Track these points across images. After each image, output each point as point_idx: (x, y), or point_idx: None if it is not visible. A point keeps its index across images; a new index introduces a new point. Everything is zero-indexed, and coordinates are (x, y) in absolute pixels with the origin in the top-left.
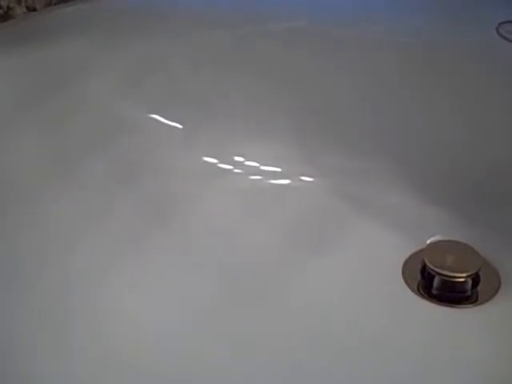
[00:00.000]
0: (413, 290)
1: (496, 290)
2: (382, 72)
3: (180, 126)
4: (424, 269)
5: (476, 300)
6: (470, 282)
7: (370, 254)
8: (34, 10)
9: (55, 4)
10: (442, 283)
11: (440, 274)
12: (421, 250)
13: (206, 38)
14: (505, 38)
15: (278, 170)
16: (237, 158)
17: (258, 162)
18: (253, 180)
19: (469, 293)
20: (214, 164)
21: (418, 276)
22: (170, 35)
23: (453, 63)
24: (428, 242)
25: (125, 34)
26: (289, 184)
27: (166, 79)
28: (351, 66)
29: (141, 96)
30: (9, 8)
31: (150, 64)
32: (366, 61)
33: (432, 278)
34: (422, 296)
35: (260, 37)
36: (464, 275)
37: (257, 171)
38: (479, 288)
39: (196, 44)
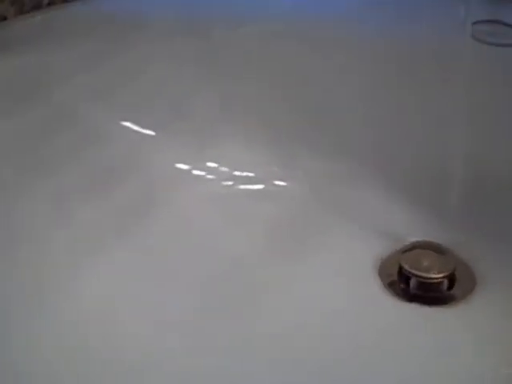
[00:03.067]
0: (389, 291)
1: (472, 290)
2: (359, 73)
3: (152, 133)
4: (400, 270)
5: (452, 300)
6: (445, 282)
7: (347, 256)
8: (5, 19)
9: (27, 12)
10: (418, 284)
11: (416, 276)
12: (397, 252)
13: (181, 44)
14: (477, 38)
15: (252, 175)
16: (210, 164)
17: (231, 168)
18: (226, 186)
19: (445, 293)
20: (187, 170)
21: (395, 277)
22: (143, 42)
23: (427, 63)
24: (404, 243)
25: (98, 41)
26: (263, 189)
27: (139, 87)
28: (327, 69)
29: (114, 103)
30: None
31: (124, 71)
32: (342, 63)
33: (408, 279)
34: (399, 297)
35: (235, 40)
36: (440, 276)
37: (230, 177)
38: (455, 288)
39: (170, 50)
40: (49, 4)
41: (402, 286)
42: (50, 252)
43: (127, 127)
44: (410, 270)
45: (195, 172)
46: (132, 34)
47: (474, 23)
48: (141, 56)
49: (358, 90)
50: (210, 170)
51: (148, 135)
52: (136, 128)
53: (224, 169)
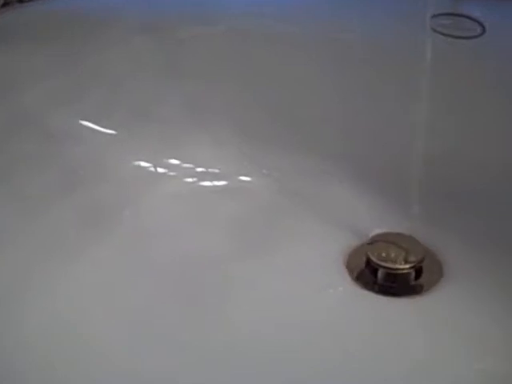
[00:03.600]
0: (357, 283)
1: (439, 280)
2: (326, 70)
3: (114, 133)
4: (368, 262)
5: (420, 291)
6: (413, 273)
7: (314, 249)
8: None
9: None
10: (385, 275)
11: (383, 267)
12: (364, 244)
13: (144, 43)
14: (437, 31)
15: (216, 171)
16: (173, 161)
17: (194, 164)
18: (190, 182)
19: (412, 284)
20: (152, 168)
21: (363, 269)
22: (105, 41)
23: (387, 57)
24: (371, 235)
25: (58, 42)
26: (227, 185)
27: (101, 87)
28: (295, 67)
29: (75, 104)
30: None
31: (86, 72)
32: (309, 60)
33: (376, 270)
34: (367, 288)
35: (201, 39)
36: (407, 267)
37: (194, 173)
38: (422, 279)
39: (133, 50)
40: (4, 5)
41: (370, 277)
42: (18, 254)
43: (89, 127)
44: (377, 261)
45: (160, 170)
46: (93, 33)
47: (434, 16)
48: (103, 56)
49: (325, 87)
50: (173, 168)
51: (110, 135)
52: (98, 128)
53: (188, 165)
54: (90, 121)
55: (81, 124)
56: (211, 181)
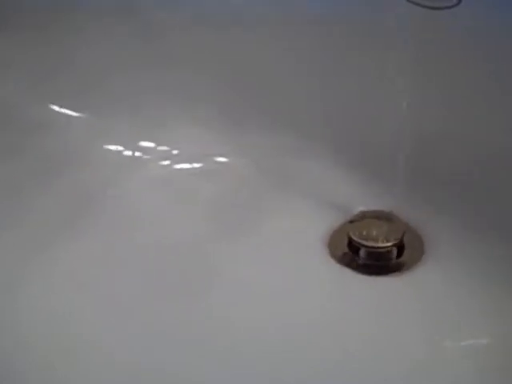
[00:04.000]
0: (340, 263)
1: (421, 257)
2: (302, 47)
3: (88, 117)
4: (350, 241)
5: (402, 268)
6: (394, 250)
7: (296, 230)
8: None
9: None
10: (367, 254)
11: (365, 246)
12: (346, 223)
13: (116, 26)
14: (412, 1)
15: (192, 152)
16: (148, 144)
17: (170, 147)
18: (167, 165)
19: (394, 261)
20: (128, 152)
21: (345, 249)
22: (74, 24)
23: (361, 32)
24: (352, 214)
25: (30, 26)
26: (204, 166)
27: (75, 72)
28: (267, 44)
29: (48, 90)
30: None
31: (55, 56)
32: (285, 38)
33: (358, 249)
34: (350, 268)
35: (171, 22)
36: (389, 245)
37: (170, 156)
38: (404, 256)
39: (105, 33)
40: None
41: (352, 256)
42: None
43: (62, 113)
44: (358, 240)
45: (136, 154)
46: (62, 15)
47: None
48: (74, 41)
49: (303, 65)
50: (149, 151)
51: (84, 120)
52: (72, 113)
53: (163, 148)
54: (63, 107)
55: (54, 110)
56: (188, 163)
